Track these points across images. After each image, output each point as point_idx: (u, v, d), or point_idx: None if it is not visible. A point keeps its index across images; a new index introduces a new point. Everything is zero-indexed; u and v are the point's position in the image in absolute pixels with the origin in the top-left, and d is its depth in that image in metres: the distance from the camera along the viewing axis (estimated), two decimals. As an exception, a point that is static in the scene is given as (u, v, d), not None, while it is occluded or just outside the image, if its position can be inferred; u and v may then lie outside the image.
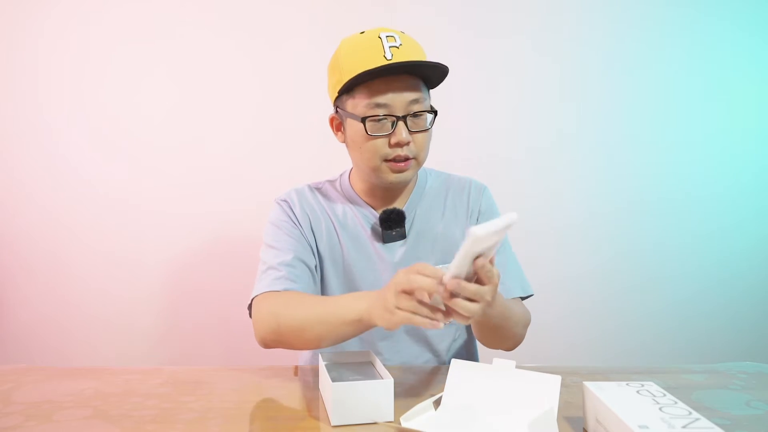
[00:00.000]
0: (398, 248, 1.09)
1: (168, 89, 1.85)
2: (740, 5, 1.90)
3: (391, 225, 1.07)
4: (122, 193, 1.86)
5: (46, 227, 1.86)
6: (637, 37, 1.90)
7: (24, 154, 1.85)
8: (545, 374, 0.76)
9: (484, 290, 0.74)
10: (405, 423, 0.74)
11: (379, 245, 1.09)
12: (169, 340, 1.89)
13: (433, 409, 0.80)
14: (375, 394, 0.74)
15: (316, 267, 1.08)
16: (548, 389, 0.75)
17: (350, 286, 1.09)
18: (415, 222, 1.11)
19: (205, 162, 1.86)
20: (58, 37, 1.82)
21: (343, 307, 0.87)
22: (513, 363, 0.80)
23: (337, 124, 1.07)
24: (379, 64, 0.94)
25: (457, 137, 1.85)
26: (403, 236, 1.09)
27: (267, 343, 0.97)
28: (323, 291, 1.10)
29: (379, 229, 1.08)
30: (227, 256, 1.86)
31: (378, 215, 1.09)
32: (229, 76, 1.85)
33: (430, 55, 1.03)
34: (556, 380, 0.76)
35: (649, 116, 1.92)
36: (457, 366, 0.84)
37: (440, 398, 0.81)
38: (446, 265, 0.73)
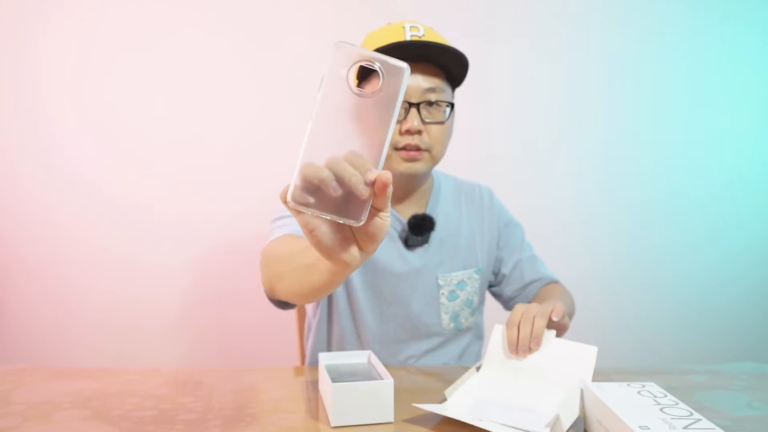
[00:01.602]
0: (421, 252, 1.08)
1: (168, 89, 1.85)
2: (740, 5, 1.90)
3: (421, 231, 1.05)
4: (122, 192, 1.86)
5: (46, 227, 1.86)
6: (636, 36, 1.90)
7: (24, 154, 1.85)
8: (582, 344, 0.78)
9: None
10: (449, 395, 0.76)
11: (402, 248, 1.08)
12: (169, 340, 1.89)
13: (476, 374, 0.82)
14: (375, 395, 0.74)
15: None
16: (584, 359, 0.77)
17: (372, 282, 1.07)
18: (437, 226, 1.08)
19: (205, 162, 1.86)
20: (59, 36, 1.82)
21: (302, 251, 0.74)
22: (553, 332, 0.82)
23: None
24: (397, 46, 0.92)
25: (456, 137, 1.85)
26: (425, 241, 1.07)
27: (268, 290, 0.89)
28: (346, 285, 1.08)
29: (399, 230, 1.07)
30: (227, 256, 1.86)
31: (399, 216, 1.08)
32: (229, 76, 1.85)
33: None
34: (592, 351, 0.77)
35: (648, 116, 1.92)
36: (497, 333, 0.85)
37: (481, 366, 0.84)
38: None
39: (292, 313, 1.43)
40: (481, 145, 1.88)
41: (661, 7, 1.89)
